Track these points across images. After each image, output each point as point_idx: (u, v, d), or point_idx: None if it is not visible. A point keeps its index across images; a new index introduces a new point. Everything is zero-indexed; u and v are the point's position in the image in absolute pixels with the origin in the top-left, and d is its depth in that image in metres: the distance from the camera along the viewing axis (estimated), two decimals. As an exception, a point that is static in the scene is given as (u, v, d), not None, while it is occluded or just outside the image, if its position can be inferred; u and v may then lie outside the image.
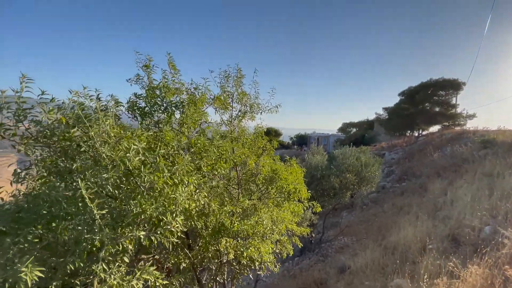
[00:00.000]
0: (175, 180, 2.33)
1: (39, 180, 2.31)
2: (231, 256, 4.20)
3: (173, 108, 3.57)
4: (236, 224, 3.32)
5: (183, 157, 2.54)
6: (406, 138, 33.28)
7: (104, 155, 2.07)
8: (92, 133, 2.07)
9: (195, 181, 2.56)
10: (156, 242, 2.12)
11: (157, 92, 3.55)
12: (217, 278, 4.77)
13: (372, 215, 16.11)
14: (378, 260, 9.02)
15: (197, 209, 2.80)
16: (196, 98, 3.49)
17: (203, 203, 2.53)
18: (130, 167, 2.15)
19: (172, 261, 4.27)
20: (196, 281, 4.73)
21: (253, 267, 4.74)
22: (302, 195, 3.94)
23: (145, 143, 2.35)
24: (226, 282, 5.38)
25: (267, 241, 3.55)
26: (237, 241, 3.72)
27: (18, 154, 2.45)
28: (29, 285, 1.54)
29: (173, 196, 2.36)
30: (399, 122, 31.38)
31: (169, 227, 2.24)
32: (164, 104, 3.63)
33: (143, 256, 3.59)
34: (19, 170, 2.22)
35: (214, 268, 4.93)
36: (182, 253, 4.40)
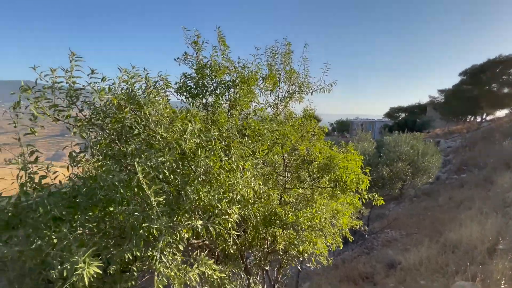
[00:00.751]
0: (233, 165, 2.08)
1: (95, 164, 2.24)
2: (281, 246, 3.96)
3: (223, 89, 3.32)
4: (290, 215, 3.03)
5: (239, 140, 2.28)
6: (466, 124, 29.53)
7: (159, 136, 1.89)
8: (147, 112, 1.89)
9: (251, 167, 2.29)
10: (214, 232, 1.91)
11: (207, 71, 3.32)
12: (264, 267, 4.61)
13: (424, 208, 14.73)
14: (435, 258, 8.17)
15: (254, 198, 2.57)
16: (247, 77, 3.17)
17: (261, 192, 2.28)
18: (186, 150, 1.94)
19: (220, 247, 4.18)
20: (243, 268, 4.63)
21: (301, 258, 4.48)
22: (362, 185, 3.49)
23: (200, 124, 2.13)
24: (272, 270, 5.23)
25: (323, 236, 3.22)
26: (290, 232, 3.45)
27: (80, 138, 2.41)
28: (86, 282, 1.43)
29: (230, 182, 2.12)
30: (459, 105, 27.83)
31: (226, 216, 2.02)
32: (214, 84, 3.39)
33: (193, 241, 3.53)
34: (74, 154, 2.16)
35: (260, 256, 4.78)
36: (230, 240, 4.29)
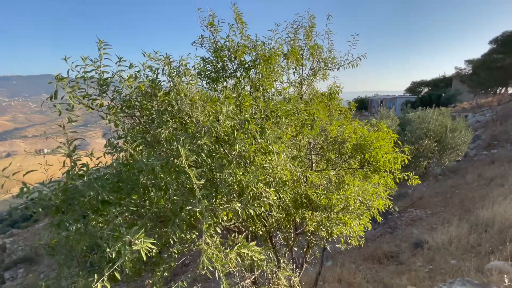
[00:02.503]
0: (270, 147, 2.04)
1: (131, 150, 2.28)
2: (311, 228, 3.97)
3: (244, 71, 3.21)
4: (322, 197, 2.99)
5: (274, 121, 2.21)
6: (497, 96, 27.60)
7: (193, 119, 1.87)
8: (182, 94, 1.86)
9: (286, 149, 2.24)
10: (255, 214, 1.91)
11: (225, 52, 3.20)
12: (292, 247, 4.67)
13: (451, 186, 14.21)
14: (466, 238, 7.96)
15: (293, 180, 2.54)
16: (268, 54, 3.04)
17: (297, 174, 2.24)
18: (221, 133, 1.92)
19: (251, 229, 4.26)
20: (272, 249, 4.72)
21: (330, 239, 4.48)
22: (396, 166, 3.35)
23: (233, 106, 2.09)
24: (300, 250, 5.30)
25: (358, 217, 3.16)
26: (320, 214, 3.43)
27: (103, 128, 2.45)
28: (144, 257, 1.47)
29: (265, 165, 2.09)
30: (489, 76, 25.90)
31: (265, 199, 2.01)
32: (234, 66, 3.28)
33: (225, 224, 3.60)
34: (113, 140, 2.20)
35: (288, 236, 4.84)
36: (258, 221, 4.35)
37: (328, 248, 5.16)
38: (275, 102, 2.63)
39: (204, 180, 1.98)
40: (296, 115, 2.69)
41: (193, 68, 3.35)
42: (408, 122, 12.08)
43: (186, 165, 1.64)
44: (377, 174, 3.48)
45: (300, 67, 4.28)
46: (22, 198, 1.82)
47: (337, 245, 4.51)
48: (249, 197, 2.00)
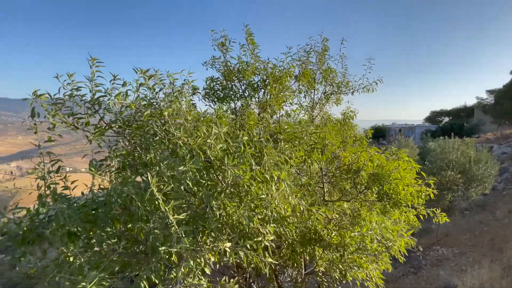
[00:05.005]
0: (266, 175, 1.74)
1: (114, 174, 2.05)
2: (321, 268, 3.47)
3: (252, 91, 3.02)
4: (334, 234, 2.58)
5: (273, 146, 1.93)
6: (523, 127, 26.18)
7: (180, 141, 1.62)
8: (165, 113, 1.64)
9: (288, 177, 1.93)
10: (245, 258, 1.57)
11: (234, 72, 3.07)
12: (301, 289, 4.13)
13: (479, 222, 12.97)
14: (499, 282, 6.98)
15: (296, 215, 2.20)
16: (278, 74, 2.84)
17: (300, 208, 1.90)
18: (211, 157, 1.65)
19: (253, 265, 3.81)
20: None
21: (344, 282, 3.94)
22: (420, 200, 2.92)
23: (226, 128, 1.84)
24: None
25: (376, 260, 2.70)
26: (332, 253, 2.98)
27: (94, 148, 2.26)
28: None
29: (262, 196, 1.77)
30: (512, 106, 24.83)
31: (259, 238, 1.67)
32: (243, 87, 3.12)
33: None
34: (94, 162, 1.98)
35: (296, 276, 4.31)
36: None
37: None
38: (282, 123, 2.37)
39: (188, 213, 1.68)
40: (305, 137, 2.40)
41: (203, 89, 3.23)
42: (428, 152, 11.40)
43: (159, 196, 1.36)
44: (397, 209, 3.04)
45: (312, 90, 4.07)
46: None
47: (352, 290, 3.93)
48: (240, 234, 1.66)
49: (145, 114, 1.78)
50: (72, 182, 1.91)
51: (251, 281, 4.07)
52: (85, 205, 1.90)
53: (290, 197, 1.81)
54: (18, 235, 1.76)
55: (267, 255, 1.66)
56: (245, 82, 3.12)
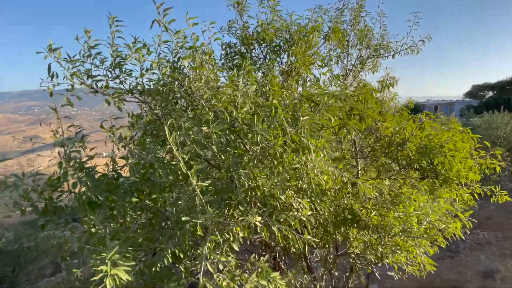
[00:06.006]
0: (303, 139, 1.47)
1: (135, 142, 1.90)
2: (356, 250, 3.22)
3: (274, 54, 2.69)
4: (373, 214, 2.30)
5: (307, 109, 1.65)
6: None
7: (202, 101, 1.40)
8: (186, 62, 1.41)
9: (327, 145, 1.65)
10: (280, 236, 1.36)
11: (254, 35, 2.73)
12: (332, 271, 3.95)
13: (528, 206, 11.81)
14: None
15: (335, 188, 1.95)
16: (305, 31, 2.47)
17: (345, 180, 1.63)
18: (239, 119, 1.42)
19: (281, 244, 3.66)
20: (306, 268, 4.05)
21: (380, 264, 3.67)
22: (477, 176, 2.50)
23: (255, 86, 1.58)
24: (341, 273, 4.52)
25: (425, 243, 2.40)
26: (369, 234, 2.71)
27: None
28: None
29: (297, 165, 1.53)
30: None
31: (295, 213, 1.45)
32: (264, 52, 2.79)
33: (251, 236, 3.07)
34: (115, 128, 1.84)
35: (326, 257, 4.12)
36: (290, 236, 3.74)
37: (376, 274, 4.30)
38: (311, 86, 2.06)
39: (211, 181, 1.50)
40: (343, 101, 2.05)
41: (219, 59, 2.94)
42: (471, 128, 10.33)
43: (178, 154, 1.17)
44: (448, 187, 2.65)
45: (345, 55, 3.62)
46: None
47: (389, 273, 3.68)
48: (271, 209, 1.45)
49: (163, 71, 1.58)
50: (91, 149, 1.80)
51: (279, 260, 3.95)
52: (105, 175, 1.79)
53: (329, 167, 1.55)
54: (39, 203, 1.70)
55: (305, 231, 1.44)
56: (265, 46, 2.77)
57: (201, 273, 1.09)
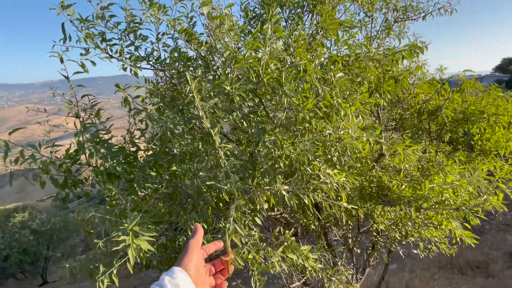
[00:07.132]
0: (338, 99, 1.30)
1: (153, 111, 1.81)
2: (380, 227, 3.09)
3: (296, 16, 2.45)
4: (405, 186, 2.13)
5: (340, 69, 1.47)
6: None
7: (223, 58, 1.26)
8: (205, 11, 1.26)
9: (363, 107, 1.48)
10: (311, 204, 1.24)
11: None
12: (353, 249, 3.85)
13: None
14: None
15: (370, 157, 1.80)
16: None
17: (383, 147, 1.47)
18: (264, 79, 1.26)
19: (301, 222, 3.58)
20: (327, 246, 3.98)
21: (404, 242, 3.54)
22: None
23: (281, 45, 1.41)
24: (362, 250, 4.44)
25: (459, 217, 2.23)
26: (400, 210, 2.56)
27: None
28: (132, 261, 0.96)
29: (329, 131, 1.38)
30: None
31: (327, 181, 1.32)
32: (286, 12, 2.55)
33: (270, 213, 3.00)
34: (129, 98, 1.75)
35: (347, 234, 4.02)
36: (310, 213, 3.64)
37: (400, 252, 4.18)
38: (345, 42, 1.84)
39: (234, 145, 1.38)
40: (377, 62, 1.83)
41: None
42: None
43: (202, 114, 1.04)
44: (486, 158, 2.42)
45: (369, 18, 3.31)
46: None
47: (414, 251, 3.55)
48: (301, 177, 1.32)
49: (179, 29, 1.43)
50: (107, 119, 1.72)
51: (299, 238, 3.90)
52: (123, 147, 1.71)
53: (365, 134, 1.39)
54: (58, 175, 1.66)
55: (343, 197, 1.31)
56: (287, 8, 2.52)
57: (228, 235, 1.00)
